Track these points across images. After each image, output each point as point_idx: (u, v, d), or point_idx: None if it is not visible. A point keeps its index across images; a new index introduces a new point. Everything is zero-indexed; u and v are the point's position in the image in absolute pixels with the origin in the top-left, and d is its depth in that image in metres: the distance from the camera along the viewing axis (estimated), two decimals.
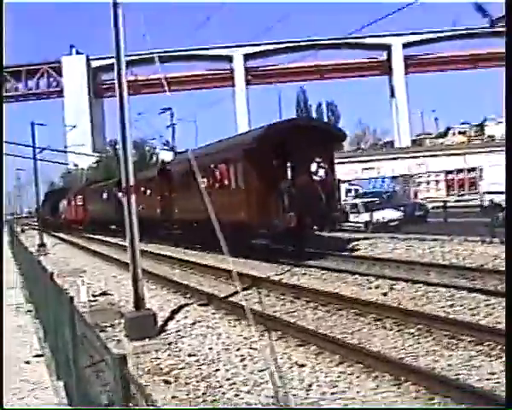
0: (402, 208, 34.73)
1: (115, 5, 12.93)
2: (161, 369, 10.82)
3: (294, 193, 22.81)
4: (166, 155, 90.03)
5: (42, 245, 44.16)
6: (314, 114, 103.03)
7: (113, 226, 49.85)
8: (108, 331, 13.90)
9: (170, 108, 54.25)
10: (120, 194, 48.58)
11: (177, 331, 13.15)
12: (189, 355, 11.38)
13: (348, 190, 41.87)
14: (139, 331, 12.73)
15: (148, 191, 37.94)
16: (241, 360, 10.64)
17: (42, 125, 46.97)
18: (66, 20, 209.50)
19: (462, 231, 25.48)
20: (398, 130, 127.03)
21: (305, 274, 19.81)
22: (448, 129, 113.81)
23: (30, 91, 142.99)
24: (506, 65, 7.58)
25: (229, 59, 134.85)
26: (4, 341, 11.84)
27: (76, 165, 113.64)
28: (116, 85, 13.01)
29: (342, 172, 69.76)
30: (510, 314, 6.90)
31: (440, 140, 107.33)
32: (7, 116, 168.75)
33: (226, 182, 25.95)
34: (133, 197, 12.99)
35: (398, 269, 18.84)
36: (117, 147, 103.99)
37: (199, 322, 13.70)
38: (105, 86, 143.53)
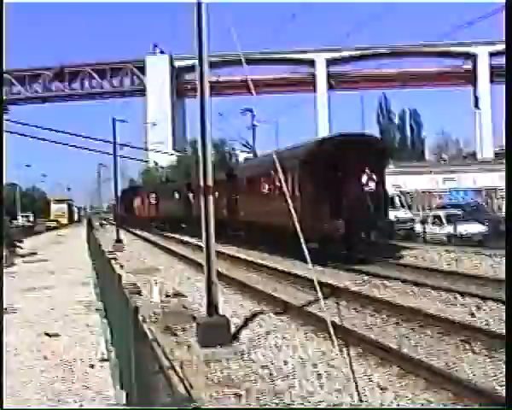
0: (486, 222, 33.35)
1: (199, 5, 12.44)
2: (232, 380, 10.25)
3: (344, 202, 24.66)
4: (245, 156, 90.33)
5: (118, 241, 44.53)
6: (397, 122, 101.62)
7: (184, 225, 52.36)
8: (179, 335, 13.41)
9: (251, 109, 53.94)
10: (191, 194, 49.82)
11: (250, 340, 12.56)
12: (262, 367, 10.76)
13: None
14: (211, 338, 12.20)
15: (216, 193, 36.63)
16: (318, 378, 9.95)
17: (123, 121, 47.39)
18: (150, 19, 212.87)
19: None
20: (481, 141, 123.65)
21: (386, 286, 18.93)
22: None
23: (114, 89, 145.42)
24: (506, 64, 7.84)
25: (312, 63, 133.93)
26: (4, 342, 11.63)
27: (156, 163, 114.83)
28: (198, 85, 12.54)
29: (423, 181, 68.59)
30: (510, 316, 7.19)
31: None
32: (91, 113, 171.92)
33: (282, 189, 25.66)
34: (211, 198, 12.46)
35: (485, 287, 17.76)
36: (197, 147, 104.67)
37: (273, 332, 13.05)
38: (187, 86, 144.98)
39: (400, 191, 44.15)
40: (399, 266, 23.58)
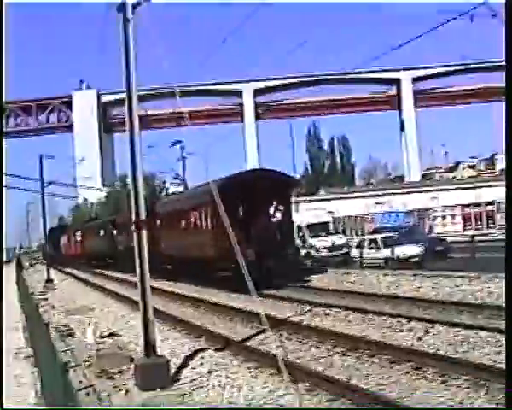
0: (422, 243, 33.40)
1: (126, 42, 11.93)
2: None
3: (253, 232, 26.44)
4: (176, 190, 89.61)
5: (49, 281, 43.17)
6: (326, 148, 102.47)
7: (109, 260, 54.25)
8: (116, 379, 12.61)
9: (180, 141, 53.48)
10: (115, 231, 49.16)
11: (191, 381, 11.86)
12: None
13: (299, 229, 37.53)
14: (150, 380, 11.47)
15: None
16: None
17: (51, 157, 46.24)
18: (77, 54, 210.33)
19: (488, 267, 23.97)
20: (408, 164, 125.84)
21: (327, 315, 18.45)
22: (458, 163, 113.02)
23: (40, 126, 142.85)
24: (506, 65, 7.77)
25: (240, 94, 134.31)
26: (4, 342, 10.71)
27: (85, 199, 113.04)
28: (127, 119, 12.00)
29: (354, 206, 69.04)
30: (510, 316, 7.26)
31: (450, 174, 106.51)
32: (18, 150, 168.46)
33: (198, 223, 30.65)
34: (144, 233, 11.80)
35: (429, 309, 17.47)
36: (127, 181, 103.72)
37: (216, 371, 12.36)
38: (115, 121, 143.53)
39: (333, 217, 44.21)
40: (339, 293, 23.25)
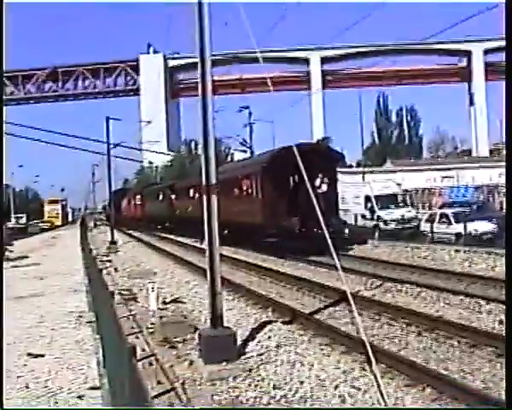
0: (495, 220, 32.05)
1: (200, 4, 11.30)
2: (241, 403, 9.03)
3: (299, 202, 27.63)
4: (241, 156, 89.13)
5: (112, 243, 43.39)
6: (394, 119, 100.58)
7: (168, 224, 56.11)
8: (180, 349, 12.16)
9: (248, 107, 52.79)
10: (174, 196, 49.33)
11: (258, 355, 11.29)
12: (275, 388, 9.51)
13: (367, 199, 38.13)
14: (216, 353, 10.93)
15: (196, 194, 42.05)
16: (342, 401, 8.73)
17: (117, 119, 46.16)
18: (144, 18, 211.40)
19: None
20: (476, 138, 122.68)
21: (399, 291, 17.66)
22: None
23: (108, 89, 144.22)
24: (506, 63, 7.68)
25: (307, 62, 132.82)
26: (4, 342, 11.18)
27: (151, 162, 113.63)
28: (200, 83, 11.42)
29: (421, 179, 67.41)
30: (510, 315, 7.20)
31: None
32: (86, 113, 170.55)
33: (250, 191, 32.79)
34: (215, 199, 11.22)
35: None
36: (192, 146, 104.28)
37: (284, 345, 11.76)
38: (181, 86, 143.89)
39: (402, 189, 42.92)
40: (410, 268, 22.37)
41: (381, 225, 36.30)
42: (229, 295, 17.76)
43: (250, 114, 51.28)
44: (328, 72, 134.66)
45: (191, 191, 46.02)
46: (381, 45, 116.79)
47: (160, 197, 60.48)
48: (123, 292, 19.55)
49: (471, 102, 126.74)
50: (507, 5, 8.02)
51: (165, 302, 17.68)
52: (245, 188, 33.55)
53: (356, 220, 38.17)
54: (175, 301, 18.12)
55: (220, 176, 34.40)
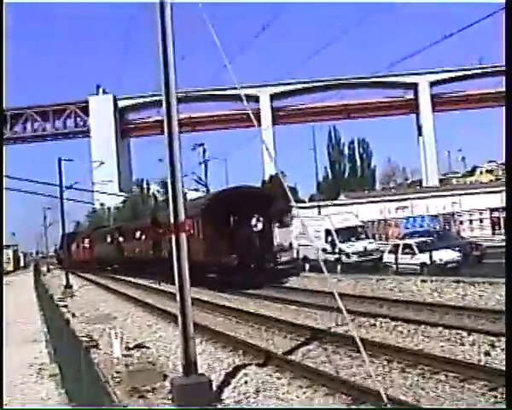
0: (459, 248, 31.81)
1: (164, 36, 10.75)
2: None
3: (237, 241, 30.99)
4: (194, 195, 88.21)
5: (68, 287, 42.04)
6: (346, 151, 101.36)
7: (116, 265, 57.74)
8: (150, 398, 11.34)
9: (202, 144, 52.24)
10: (121, 238, 49.54)
11: (236, 402, 10.55)
12: None
13: (328, 233, 37.70)
14: (190, 401, 10.16)
15: (143, 236, 47.49)
16: None
17: (69, 160, 45.10)
18: (93, 60, 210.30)
19: None
20: (426, 169, 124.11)
21: (373, 325, 17.05)
22: (475, 168, 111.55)
23: (57, 131, 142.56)
24: (506, 64, 7.78)
25: (256, 99, 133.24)
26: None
27: (102, 204, 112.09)
28: (165, 121, 10.84)
29: (375, 211, 67.46)
30: (510, 315, 7.34)
31: (468, 179, 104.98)
32: (35, 155, 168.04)
33: (191, 231, 32.44)
34: (184, 237, 10.51)
35: (485, 319, 16.05)
36: (144, 185, 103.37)
37: (264, 391, 11.03)
38: (132, 126, 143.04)
39: (362, 221, 42.59)
40: (379, 300, 21.88)
41: (343, 258, 35.83)
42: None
43: (204, 151, 50.82)
44: (278, 108, 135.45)
45: (138, 233, 49.15)
46: (328, 80, 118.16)
47: (109, 240, 61.79)
48: (83, 339, 18.57)
49: (419, 133, 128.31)
50: (507, 5, 8.12)
51: (128, 348, 16.78)
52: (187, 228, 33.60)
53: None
54: (139, 346, 17.25)
55: (165, 219, 36.19)
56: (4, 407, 8.28)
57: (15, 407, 8.61)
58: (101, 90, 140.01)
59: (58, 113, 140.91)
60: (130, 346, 17.14)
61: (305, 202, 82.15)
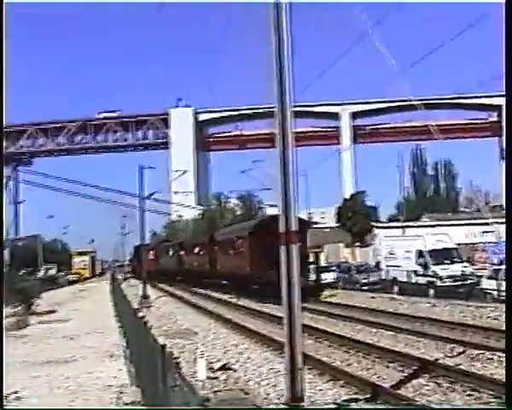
0: None
1: (279, 47, 9.30)
2: None
3: (277, 259, 31.42)
4: (272, 211, 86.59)
5: (145, 297, 41.21)
6: (430, 172, 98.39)
7: (178, 277, 64.08)
8: None
9: None
10: (182, 252, 58.71)
11: None
12: None
13: (419, 254, 37.33)
14: None
15: (202, 251, 54.75)
16: None
17: (150, 168, 44.43)
18: (175, 72, 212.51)
19: None
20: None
21: (490, 359, 15.11)
22: None
23: (138, 142, 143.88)
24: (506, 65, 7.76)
25: (336, 116, 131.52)
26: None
27: (180, 216, 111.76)
28: (279, 133, 9.30)
29: (460, 234, 64.53)
30: (510, 315, 7.73)
31: None
32: (116, 164, 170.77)
33: (240, 249, 42.20)
34: (295, 249, 8.98)
35: None
36: (222, 200, 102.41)
37: None
38: (211, 139, 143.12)
39: (457, 244, 40.10)
40: (485, 331, 19.79)
41: (437, 281, 33.65)
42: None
43: None
44: (359, 126, 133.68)
45: (197, 249, 56.77)
46: (410, 100, 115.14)
47: (171, 253, 69.96)
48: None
49: (502, 157, 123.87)
50: (507, 5, 7.97)
51: (212, 369, 15.31)
52: (237, 247, 43.26)
53: (408, 277, 35.79)
54: (224, 368, 15.77)
55: (220, 237, 49.95)
56: (4, 407, 8.26)
57: (15, 407, 8.48)
58: (182, 103, 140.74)
59: (139, 124, 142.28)
60: (215, 367, 15.69)
61: (385, 221, 79.65)
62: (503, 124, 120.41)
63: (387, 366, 15.02)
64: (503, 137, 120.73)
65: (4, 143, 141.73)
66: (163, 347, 8.89)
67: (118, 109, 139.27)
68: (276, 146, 9.39)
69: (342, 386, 12.84)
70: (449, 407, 7.66)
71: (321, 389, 12.57)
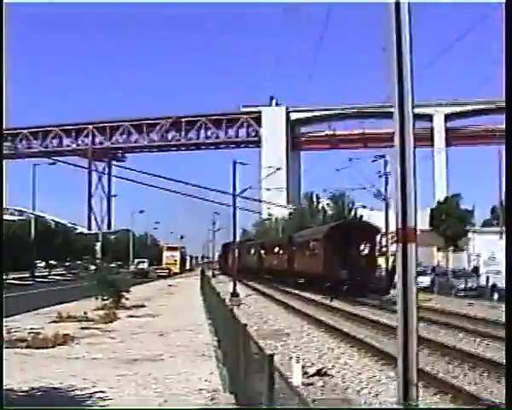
0: None
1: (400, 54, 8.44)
2: None
3: (348, 261, 41.58)
4: (364, 212, 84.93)
5: (234, 295, 40.67)
6: None
7: (259, 274, 68.83)
8: None
9: (383, 156, 49.41)
10: (263, 251, 65.69)
11: None
12: None
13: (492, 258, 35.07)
14: None
15: (281, 251, 60.07)
16: None
17: (244, 164, 44.03)
18: (267, 70, 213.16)
19: None
20: None
21: None
22: None
23: (230, 139, 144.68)
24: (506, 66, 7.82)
25: (430, 118, 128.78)
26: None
27: (270, 214, 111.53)
28: (397, 134, 8.30)
29: None
30: (510, 315, 7.40)
31: None
32: (204, 161, 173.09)
33: (315, 251, 47.41)
34: (413, 248, 8.03)
35: None
36: (313, 199, 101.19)
37: None
38: (302, 139, 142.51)
39: None
40: None
41: None
42: None
43: (386, 163, 47.78)
44: (453, 128, 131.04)
45: (276, 248, 62.77)
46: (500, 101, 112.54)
47: (252, 252, 77.07)
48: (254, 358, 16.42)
49: None
50: (507, 6, 8.07)
51: (307, 374, 14.45)
52: (312, 248, 48.38)
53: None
54: (320, 373, 14.88)
55: (298, 239, 56.62)
56: (4, 407, 8.06)
57: (15, 407, 8.47)
58: (274, 101, 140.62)
59: (231, 122, 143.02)
60: (310, 372, 14.81)
61: (479, 226, 76.84)
62: None
63: (498, 381, 13.81)
64: None
65: (99, 138, 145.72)
66: (260, 349, 8.15)
67: None
68: (395, 143, 8.47)
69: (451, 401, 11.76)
70: (449, 407, 7.18)
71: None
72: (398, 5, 8.53)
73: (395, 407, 7.47)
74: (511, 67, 7.79)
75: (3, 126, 19.46)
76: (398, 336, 8.04)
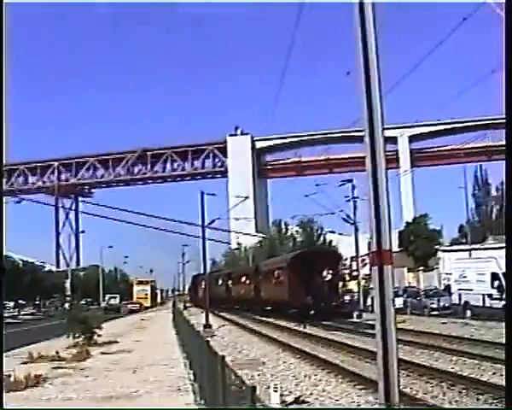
0: None
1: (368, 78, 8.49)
2: None
3: (312, 287, 43.30)
4: (332, 237, 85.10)
5: (207, 326, 40.37)
6: (494, 193, 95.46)
7: (226, 304, 70.03)
8: None
9: (351, 180, 49.71)
10: (230, 281, 66.17)
11: None
12: None
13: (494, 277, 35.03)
14: None
15: (248, 281, 61.78)
16: None
17: (212, 194, 43.91)
18: (231, 100, 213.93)
19: None
20: None
21: None
22: None
23: (195, 171, 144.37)
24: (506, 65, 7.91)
25: (395, 140, 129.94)
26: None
27: (239, 244, 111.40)
28: (368, 157, 8.29)
29: None
30: (510, 315, 7.98)
31: None
32: (171, 193, 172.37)
33: (280, 279, 48.72)
34: (388, 270, 7.99)
35: None
36: (282, 226, 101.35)
37: None
38: (269, 167, 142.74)
39: None
40: None
41: None
42: None
43: (353, 187, 48.02)
44: (417, 150, 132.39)
45: (243, 278, 64.00)
46: (467, 121, 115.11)
47: (220, 282, 76.76)
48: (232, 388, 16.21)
49: None
50: (507, 6, 8.08)
51: (285, 402, 14.30)
52: (277, 276, 49.40)
53: (484, 301, 34.23)
54: (298, 401, 14.74)
55: (263, 268, 58.03)
56: (4, 407, 8.38)
57: (15, 407, 8.60)
58: (239, 130, 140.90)
59: (197, 153, 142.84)
60: (288, 400, 14.67)
61: (448, 245, 77.48)
62: None
63: (477, 399, 13.78)
64: None
65: (65, 175, 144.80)
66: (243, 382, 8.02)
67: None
68: (367, 166, 8.47)
69: None
70: (450, 406, 6.81)
71: None
72: (364, 28, 8.57)
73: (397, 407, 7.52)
74: (511, 76, 7.92)
75: None
76: (378, 359, 7.97)
